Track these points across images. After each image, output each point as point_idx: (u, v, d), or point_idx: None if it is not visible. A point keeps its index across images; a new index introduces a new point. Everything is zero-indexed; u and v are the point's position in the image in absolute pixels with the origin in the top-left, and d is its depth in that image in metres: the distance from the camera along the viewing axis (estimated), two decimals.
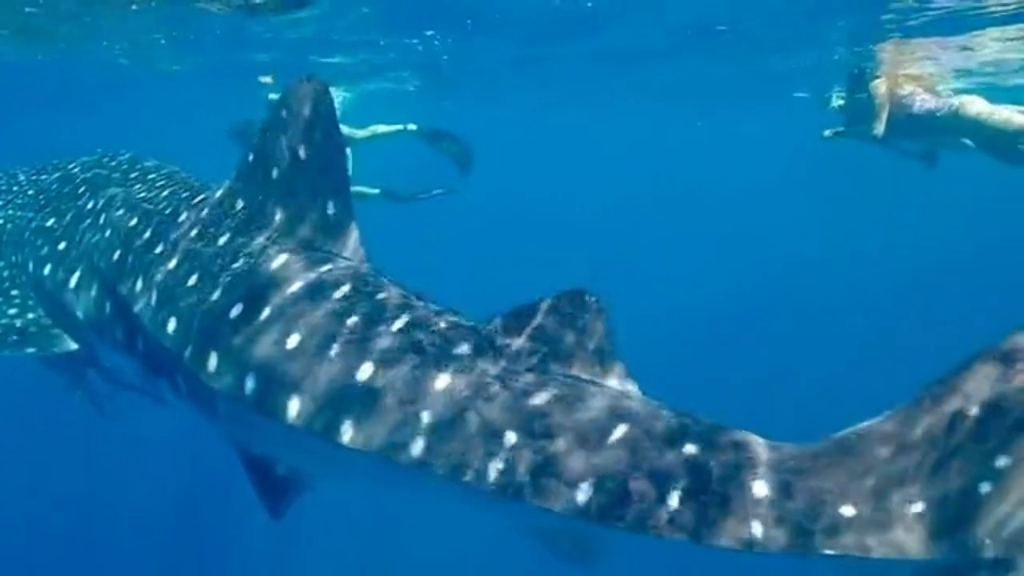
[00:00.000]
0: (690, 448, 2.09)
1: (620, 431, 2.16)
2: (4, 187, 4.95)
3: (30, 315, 4.06)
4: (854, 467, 1.96)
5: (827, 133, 8.87)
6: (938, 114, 8.24)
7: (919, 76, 10.47)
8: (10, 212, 4.61)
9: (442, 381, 2.35)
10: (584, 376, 2.37)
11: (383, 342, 2.49)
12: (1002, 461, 1.82)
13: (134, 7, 8.37)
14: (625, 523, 2.05)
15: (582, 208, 29.15)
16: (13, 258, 4.35)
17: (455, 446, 2.25)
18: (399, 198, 10.02)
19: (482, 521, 2.64)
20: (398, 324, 2.54)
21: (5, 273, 4.37)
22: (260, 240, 3.05)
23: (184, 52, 11.03)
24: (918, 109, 8.38)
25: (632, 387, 2.40)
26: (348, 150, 10.44)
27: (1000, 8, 8.68)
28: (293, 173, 3.01)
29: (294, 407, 2.52)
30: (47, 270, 4.00)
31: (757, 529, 1.95)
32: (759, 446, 2.10)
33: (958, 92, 9.47)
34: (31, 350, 3.88)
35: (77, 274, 3.79)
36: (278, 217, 3.08)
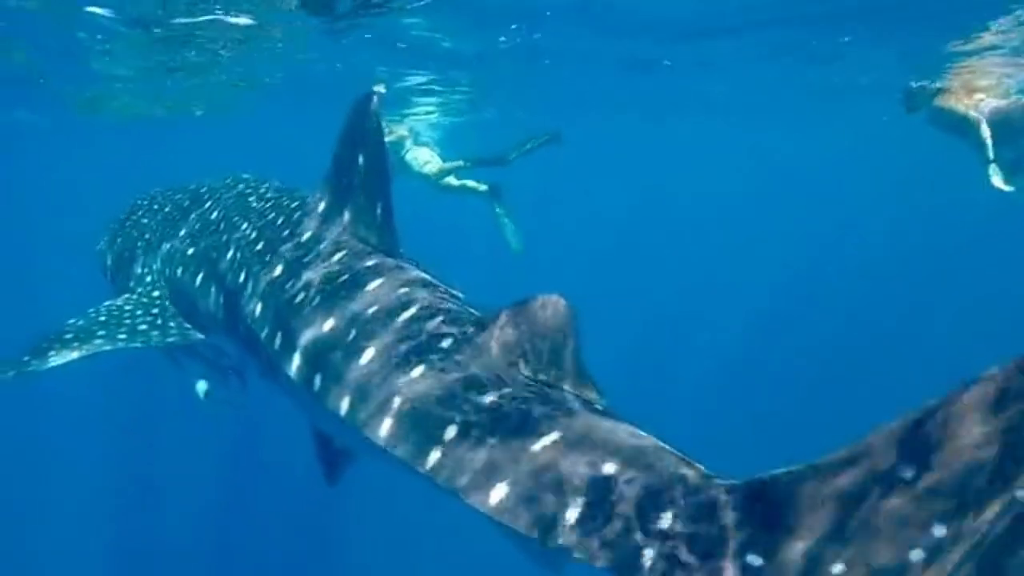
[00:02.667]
0: (610, 466, 2.05)
1: (550, 438, 2.18)
2: (145, 205, 5.68)
3: (168, 312, 4.64)
4: (775, 517, 1.77)
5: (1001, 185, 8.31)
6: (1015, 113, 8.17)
7: (985, 87, 10.28)
8: (151, 226, 5.29)
9: (416, 371, 2.58)
10: (545, 379, 2.42)
11: (388, 338, 2.78)
12: (939, 530, 1.59)
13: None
14: (521, 526, 2.06)
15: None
16: (154, 264, 4.95)
17: (415, 432, 2.42)
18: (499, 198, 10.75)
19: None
20: (401, 317, 2.84)
21: (148, 278, 4.95)
22: (330, 238, 3.52)
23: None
24: (992, 114, 8.28)
25: (592, 394, 2.41)
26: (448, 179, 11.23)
27: None
28: (355, 177, 3.46)
29: (318, 382, 2.89)
30: (179, 271, 4.58)
31: (647, 560, 1.85)
32: (688, 475, 1.97)
33: None
34: (172, 340, 4.43)
35: (201, 273, 4.36)
36: (345, 217, 3.54)
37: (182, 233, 4.87)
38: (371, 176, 3.43)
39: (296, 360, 3.09)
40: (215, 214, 4.69)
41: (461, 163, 11.15)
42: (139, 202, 5.91)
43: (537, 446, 2.18)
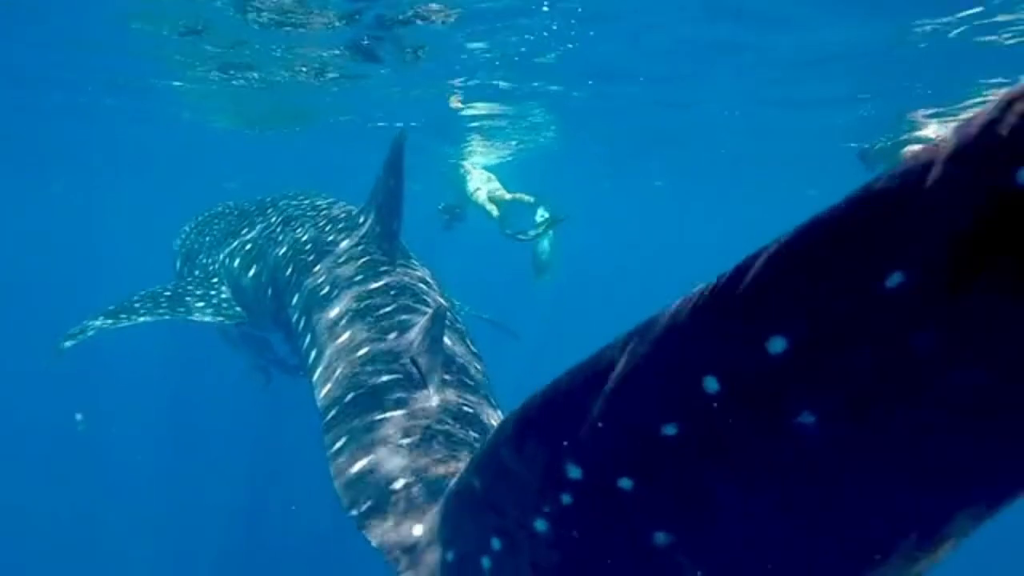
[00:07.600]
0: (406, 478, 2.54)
1: (410, 433, 2.73)
2: (221, 211, 6.54)
3: (223, 295, 5.28)
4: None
5: None
6: None
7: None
8: (222, 226, 6.12)
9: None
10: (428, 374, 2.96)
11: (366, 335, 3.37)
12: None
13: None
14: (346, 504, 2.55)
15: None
16: (219, 257, 5.66)
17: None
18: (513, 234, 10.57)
19: None
20: (380, 325, 3.40)
21: (211, 268, 5.67)
22: (362, 247, 4.12)
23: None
24: None
25: (435, 397, 2.90)
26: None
27: None
28: (386, 198, 4.07)
29: (322, 389, 3.26)
30: (237, 263, 5.28)
31: (400, 561, 2.21)
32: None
33: None
34: (220, 319, 5.02)
35: (256, 267, 5.01)
36: (377, 230, 4.14)
37: (244, 233, 5.62)
38: (395, 197, 4.03)
39: (312, 356, 3.52)
40: (275, 219, 5.40)
41: (520, 197, 10.87)
42: (214, 208, 6.80)
43: (397, 431, 2.77)
